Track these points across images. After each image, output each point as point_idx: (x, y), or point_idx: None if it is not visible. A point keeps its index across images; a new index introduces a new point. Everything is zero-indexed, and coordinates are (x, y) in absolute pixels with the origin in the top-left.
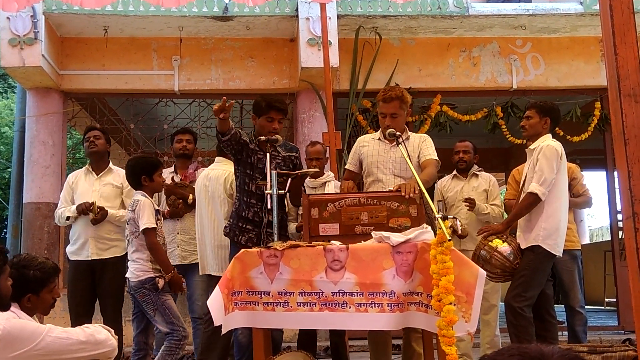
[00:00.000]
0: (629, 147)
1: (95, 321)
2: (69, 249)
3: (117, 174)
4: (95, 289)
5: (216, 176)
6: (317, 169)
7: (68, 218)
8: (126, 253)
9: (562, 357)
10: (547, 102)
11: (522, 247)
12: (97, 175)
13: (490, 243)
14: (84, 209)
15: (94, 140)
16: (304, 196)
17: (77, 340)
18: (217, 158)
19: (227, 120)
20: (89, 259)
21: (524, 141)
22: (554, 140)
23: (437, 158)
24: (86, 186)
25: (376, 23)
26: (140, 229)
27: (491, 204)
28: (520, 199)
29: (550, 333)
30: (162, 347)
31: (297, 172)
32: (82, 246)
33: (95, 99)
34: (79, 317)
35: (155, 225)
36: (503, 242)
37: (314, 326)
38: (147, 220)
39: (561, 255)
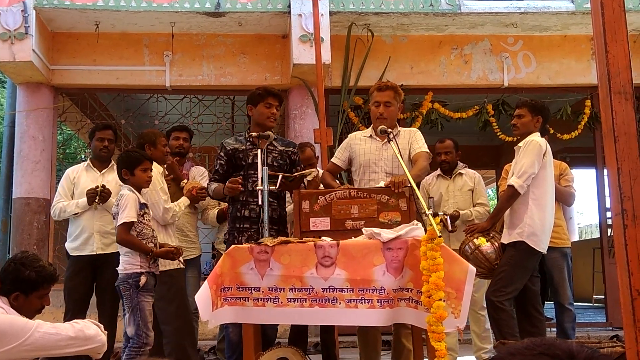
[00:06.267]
0: (618, 145)
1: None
2: (70, 245)
3: None
4: (95, 284)
5: None
6: (316, 170)
7: (76, 214)
8: None
9: (589, 357)
10: (538, 100)
11: (505, 242)
12: (100, 172)
13: (474, 240)
14: (94, 192)
15: (108, 144)
16: (295, 192)
17: (66, 336)
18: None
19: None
20: (93, 253)
21: (515, 139)
22: (540, 137)
23: (427, 150)
24: (89, 182)
25: (368, 20)
26: (118, 224)
27: (477, 203)
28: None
29: (538, 329)
30: (124, 353)
31: (295, 174)
32: (86, 241)
33: (86, 94)
34: (75, 313)
35: (134, 219)
36: (487, 240)
37: (304, 322)
38: (126, 215)
39: (545, 253)
